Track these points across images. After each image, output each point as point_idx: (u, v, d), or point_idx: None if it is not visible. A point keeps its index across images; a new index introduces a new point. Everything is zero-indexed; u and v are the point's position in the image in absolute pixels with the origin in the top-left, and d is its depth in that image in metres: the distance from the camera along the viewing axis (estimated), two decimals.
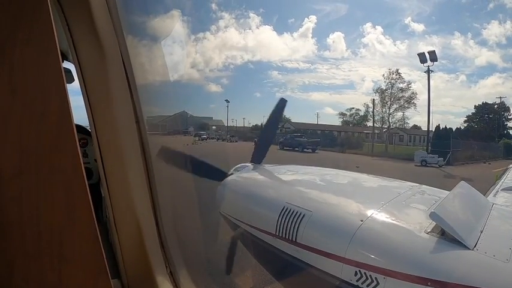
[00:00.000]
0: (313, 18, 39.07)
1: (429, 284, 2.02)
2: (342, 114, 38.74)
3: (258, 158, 4.33)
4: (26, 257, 1.11)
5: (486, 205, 2.83)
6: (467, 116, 34.85)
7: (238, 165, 4.31)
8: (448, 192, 2.83)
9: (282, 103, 4.92)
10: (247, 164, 4.30)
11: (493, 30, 34.40)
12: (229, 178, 4.04)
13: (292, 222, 2.79)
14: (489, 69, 39.91)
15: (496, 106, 33.19)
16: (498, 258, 2.03)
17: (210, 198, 4.02)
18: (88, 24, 1.42)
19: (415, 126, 34.86)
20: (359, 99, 45.51)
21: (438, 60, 30.35)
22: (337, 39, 44.04)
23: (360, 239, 2.37)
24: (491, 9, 37.22)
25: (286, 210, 2.90)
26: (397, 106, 33.20)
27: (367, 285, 2.24)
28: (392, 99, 33.14)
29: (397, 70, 33.32)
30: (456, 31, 36.03)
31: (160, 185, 1.74)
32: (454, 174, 19.92)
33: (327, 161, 21.55)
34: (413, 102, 32.78)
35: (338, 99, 49.89)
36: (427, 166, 23.11)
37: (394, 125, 33.85)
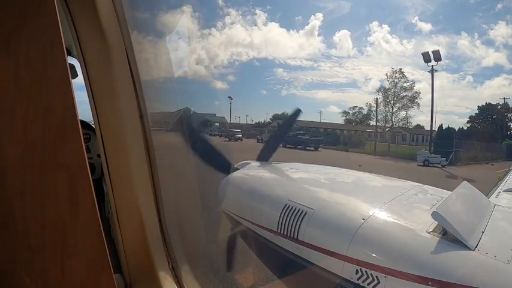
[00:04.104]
0: (320, 15, 38.93)
1: (430, 283, 2.02)
2: (345, 112, 38.67)
3: (264, 157, 4.35)
4: (29, 251, 1.11)
5: (488, 206, 2.82)
6: (470, 117, 34.70)
7: (241, 162, 4.32)
8: (451, 192, 2.82)
9: (297, 112, 5.32)
10: (249, 161, 4.30)
11: (500, 31, 34.11)
12: (231, 175, 4.04)
13: (294, 219, 2.79)
14: (495, 70, 39.47)
15: (499, 107, 33.02)
16: (499, 259, 2.03)
17: (213, 194, 4.02)
18: (93, 19, 1.42)
19: (418, 126, 34.75)
20: (362, 98, 45.33)
21: (445, 59, 30.24)
22: (343, 37, 43.85)
23: (362, 238, 2.37)
24: (499, 9, 36.90)
25: (288, 208, 2.90)
26: (400, 105, 33.11)
27: (368, 284, 2.24)
28: (395, 98, 33.05)
29: (400, 69, 33.19)
30: (463, 31, 35.82)
31: (164, 181, 1.74)
32: (457, 174, 19.86)
33: (329, 160, 21.49)
34: (416, 102, 32.67)
35: (341, 97, 49.76)
36: (430, 166, 23.03)
37: (397, 124, 33.75)
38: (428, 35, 36.98)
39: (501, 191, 4.12)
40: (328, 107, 51.52)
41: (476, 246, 2.12)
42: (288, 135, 29.75)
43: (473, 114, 34.53)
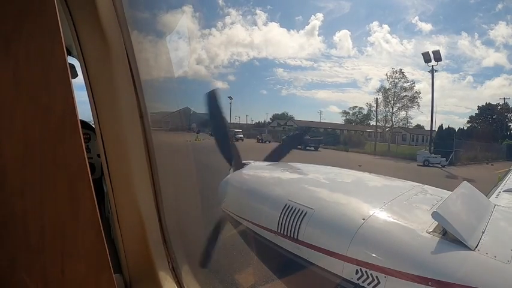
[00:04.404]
0: (320, 15, 38.96)
1: (430, 283, 2.02)
2: (345, 112, 38.66)
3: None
4: (28, 251, 1.11)
5: (488, 206, 2.82)
6: (470, 117, 34.76)
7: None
8: (451, 192, 2.82)
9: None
10: (250, 161, 4.30)
11: (500, 31, 34.14)
12: (231, 175, 4.04)
13: (294, 219, 2.79)
14: (495, 70, 39.44)
15: (499, 107, 33.03)
16: (499, 260, 2.03)
17: (213, 194, 4.02)
18: (93, 19, 1.42)
19: (418, 126, 34.78)
20: (362, 98, 45.30)
21: (445, 59, 30.32)
22: (343, 37, 43.88)
23: (362, 238, 2.37)
24: (499, 9, 36.93)
25: (288, 208, 2.90)
26: (400, 105, 33.13)
27: (368, 284, 2.24)
28: (395, 98, 33.06)
29: (400, 69, 33.26)
30: (463, 31, 35.86)
31: (164, 181, 1.74)
32: (457, 174, 19.87)
33: (329, 159, 21.48)
34: (416, 102, 32.69)
35: (341, 97, 49.84)
36: (430, 166, 23.05)
37: (397, 124, 33.76)
38: (429, 35, 37.13)
39: (501, 191, 4.13)
40: (328, 107, 51.64)
41: (476, 246, 2.11)
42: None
43: (473, 114, 34.67)
